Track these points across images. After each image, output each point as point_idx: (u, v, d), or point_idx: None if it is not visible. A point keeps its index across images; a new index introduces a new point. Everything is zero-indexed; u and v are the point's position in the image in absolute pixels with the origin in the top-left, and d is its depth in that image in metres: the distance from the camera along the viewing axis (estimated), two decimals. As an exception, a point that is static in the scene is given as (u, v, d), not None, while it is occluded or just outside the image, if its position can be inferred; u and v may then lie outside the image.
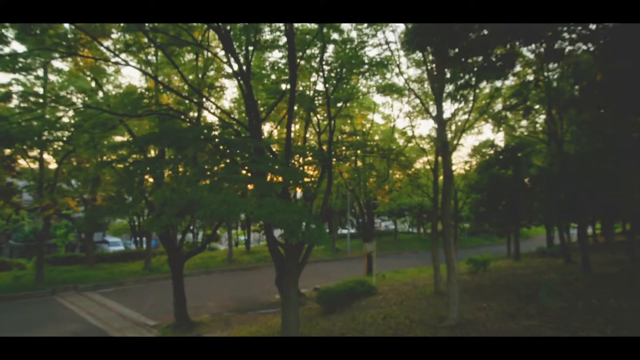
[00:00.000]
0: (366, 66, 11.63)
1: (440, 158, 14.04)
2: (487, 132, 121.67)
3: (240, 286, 20.20)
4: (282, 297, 8.41)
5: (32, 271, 20.17)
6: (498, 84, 12.30)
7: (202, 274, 23.65)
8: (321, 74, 10.41)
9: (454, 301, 8.97)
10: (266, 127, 19.37)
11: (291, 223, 4.16)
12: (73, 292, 18.38)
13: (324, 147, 9.28)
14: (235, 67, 8.38)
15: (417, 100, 16.34)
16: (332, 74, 10.20)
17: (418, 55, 14.21)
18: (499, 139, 24.48)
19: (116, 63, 10.22)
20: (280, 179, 6.39)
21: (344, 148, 12.19)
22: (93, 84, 12.78)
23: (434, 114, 10.23)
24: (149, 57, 12.79)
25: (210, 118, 15.60)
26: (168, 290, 13.31)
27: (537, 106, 16.15)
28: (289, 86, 8.58)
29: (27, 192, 21.39)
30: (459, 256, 16.82)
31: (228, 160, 5.95)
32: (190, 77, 12.48)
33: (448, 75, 8.50)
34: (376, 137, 21.64)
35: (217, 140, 5.67)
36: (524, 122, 20.66)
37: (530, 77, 13.11)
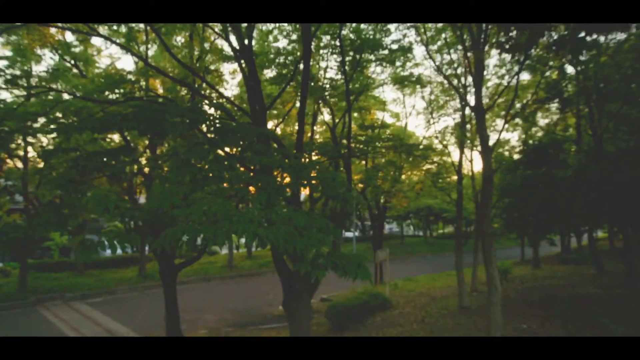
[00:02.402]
0: (386, 51, 10.26)
1: (466, 157, 12.56)
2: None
3: (241, 296, 18.71)
4: (290, 322, 6.94)
5: (16, 278, 18.72)
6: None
7: (201, 281, 22.18)
8: (335, 56, 8.98)
9: (497, 325, 7.48)
10: (268, 125, 17.91)
11: (318, 251, 2.73)
12: (59, 301, 16.92)
13: (344, 142, 7.82)
14: (236, 44, 6.93)
15: (438, 94, 14.90)
16: (349, 57, 8.75)
17: (439, 44, 12.77)
18: (514, 138, 22.92)
19: (86, 34, 8.79)
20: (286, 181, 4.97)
21: (356, 144, 10.77)
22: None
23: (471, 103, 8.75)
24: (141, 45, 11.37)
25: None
26: (163, 300, 11.86)
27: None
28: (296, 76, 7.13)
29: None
30: (470, 261, 15.34)
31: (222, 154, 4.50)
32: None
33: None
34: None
35: (208, 123, 4.20)
36: (541, 122, 19.22)
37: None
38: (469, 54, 8.74)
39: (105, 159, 4.31)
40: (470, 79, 13.24)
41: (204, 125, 4.25)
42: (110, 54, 15.37)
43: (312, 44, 7.06)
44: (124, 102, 7.06)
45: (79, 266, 21.98)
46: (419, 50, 69.82)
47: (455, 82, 12.11)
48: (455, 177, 13.61)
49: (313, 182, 3.88)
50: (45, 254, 31.10)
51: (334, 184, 3.82)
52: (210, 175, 3.60)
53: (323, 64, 11.79)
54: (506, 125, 11.99)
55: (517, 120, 17.79)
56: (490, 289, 7.59)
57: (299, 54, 9.74)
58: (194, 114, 4.10)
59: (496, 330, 7.46)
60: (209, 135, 4.22)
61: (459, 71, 12.21)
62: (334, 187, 3.78)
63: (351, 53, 8.55)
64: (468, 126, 13.69)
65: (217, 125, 4.24)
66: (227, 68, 46.54)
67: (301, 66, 10.39)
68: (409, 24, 11.11)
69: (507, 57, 9.53)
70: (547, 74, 13.73)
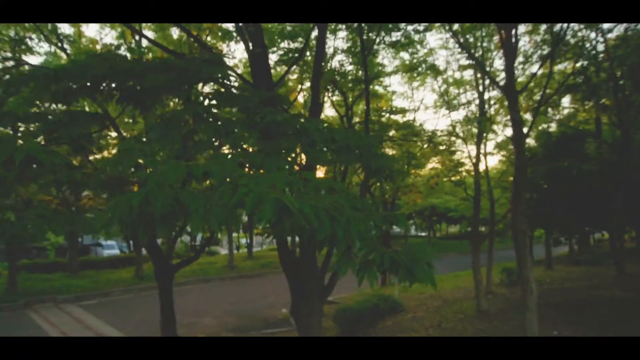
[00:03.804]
0: (399, 33, 9.51)
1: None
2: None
3: (241, 298, 17.86)
4: (300, 329, 6.09)
5: (6, 280, 17.85)
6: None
7: (200, 282, 21.36)
8: (346, 33, 8.17)
9: (533, 333, 6.61)
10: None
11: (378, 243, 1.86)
12: (50, 304, 16.10)
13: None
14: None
15: (448, 88, 14.03)
16: (365, 37, 7.97)
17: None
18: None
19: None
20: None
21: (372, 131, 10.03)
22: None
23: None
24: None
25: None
26: (159, 303, 11.03)
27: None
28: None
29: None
30: (481, 262, 14.53)
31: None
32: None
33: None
34: (391, 133, 19.34)
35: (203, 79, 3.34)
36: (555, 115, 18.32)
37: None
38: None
39: (65, 124, 3.45)
40: (486, 68, 12.51)
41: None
42: (105, 44, 14.46)
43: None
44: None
45: (74, 267, 21.13)
46: (431, 39, 69.22)
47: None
48: (471, 169, 12.76)
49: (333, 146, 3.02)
50: (41, 254, 30.15)
51: (377, 154, 2.98)
52: (206, 139, 2.76)
53: (330, 51, 11.10)
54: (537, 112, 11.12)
55: (527, 116, 16.97)
56: (525, 293, 6.72)
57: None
58: (184, 63, 3.25)
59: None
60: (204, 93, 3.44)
61: (477, 55, 11.44)
62: (378, 157, 2.92)
63: (365, 29, 7.78)
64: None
65: (216, 78, 3.41)
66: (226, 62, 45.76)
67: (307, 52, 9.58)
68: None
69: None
70: (563, 65, 12.97)
